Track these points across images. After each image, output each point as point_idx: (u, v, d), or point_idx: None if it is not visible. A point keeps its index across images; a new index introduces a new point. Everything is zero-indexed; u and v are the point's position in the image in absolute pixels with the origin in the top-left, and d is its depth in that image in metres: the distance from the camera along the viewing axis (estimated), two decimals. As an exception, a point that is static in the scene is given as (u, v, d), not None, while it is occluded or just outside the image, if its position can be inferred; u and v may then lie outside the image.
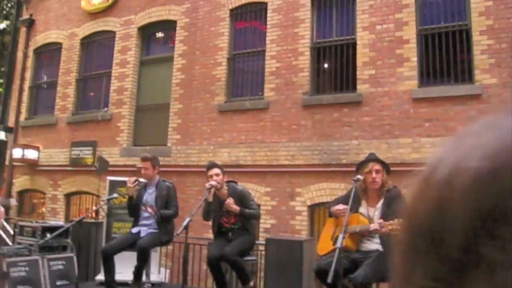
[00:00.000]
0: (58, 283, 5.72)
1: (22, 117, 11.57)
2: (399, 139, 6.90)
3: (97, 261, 6.64)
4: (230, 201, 5.20)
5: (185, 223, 4.54)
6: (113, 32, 10.33)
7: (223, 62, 8.69)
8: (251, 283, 5.29)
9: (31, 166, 10.88)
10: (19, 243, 6.22)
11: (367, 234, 4.28)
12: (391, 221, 3.94)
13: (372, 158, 4.50)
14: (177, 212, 5.77)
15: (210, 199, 5.21)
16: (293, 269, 5.17)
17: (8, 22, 12.46)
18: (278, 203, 7.64)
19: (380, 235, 4.14)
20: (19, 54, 11.95)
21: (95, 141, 9.96)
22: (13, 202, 8.23)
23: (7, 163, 10.92)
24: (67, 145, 10.37)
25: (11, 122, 11.69)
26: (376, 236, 4.22)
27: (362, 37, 7.44)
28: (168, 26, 9.65)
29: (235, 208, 5.19)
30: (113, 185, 7.22)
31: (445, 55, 6.87)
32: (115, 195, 6.06)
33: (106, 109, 10.07)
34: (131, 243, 5.56)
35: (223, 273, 5.28)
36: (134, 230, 5.77)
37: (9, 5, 12.64)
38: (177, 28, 9.38)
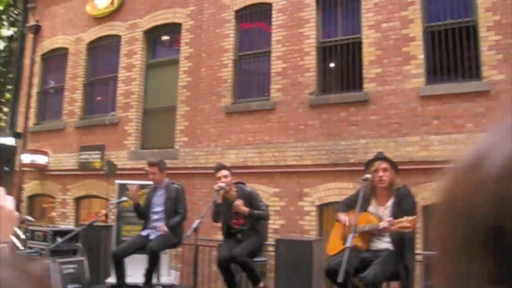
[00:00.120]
0: (70, 286, 5.76)
1: (31, 122, 11.64)
2: (407, 137, 6.87)
3: (108, 264, 6.67)
4: (239, 202, 5.21)
5: (194, 225, 4.55)
6: (119, 36, 10.38)
7: (229, 63, 8.70)
8: (261, 284, 5.30)
9: (41, 171, 10.95)
10: (30, 248, 6.27)
11: (376, 233, 4.26)
12: (401, 219, 3.92)
13: (379, 157, 4.49)
14: (185, 215, 5.78)
15: (219, 200, 5.22)
16: (303, 269, 5.17)
17: (15, 29, 12.55)
18: (287, 204, 7.64)
19: (390, 234, 4.12)
20: (27, 60, 12.03)
21: (103, 145, 10.00)
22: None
23: (16, 168, 11.00)
24: (75, 150, 10.42)
25: (20, 128, 11.77)
26: (386, 235, 4.20)
27: (368, 36, 7.42)
28: (174, 29, 9.68)
29: (244, 209, 5.19)
30: (122, 189, 7.26)
31: (452, 52, 6.84)
32: (124, 198, 6.09)
33: (113, 113, 10.12)
34: (141, 246, 5.59)
35: (233, 274, 5.29)
36: (144, 233, 5.79)
37: (15, 12, 12.72)
38: (183, 31, 9.40)
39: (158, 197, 5.89)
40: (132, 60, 10.04)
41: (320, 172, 7.44)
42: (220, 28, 8.92)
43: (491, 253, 0.33)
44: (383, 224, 4.06)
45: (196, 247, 4.81)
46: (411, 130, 6.86)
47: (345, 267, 3.53)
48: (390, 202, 4.27)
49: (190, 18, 9.35)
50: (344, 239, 4.16)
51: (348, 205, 4.53)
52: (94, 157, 10.08)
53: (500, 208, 0.33)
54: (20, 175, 11.19)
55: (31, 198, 11.35)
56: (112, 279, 6.23)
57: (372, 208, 4.37)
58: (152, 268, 5.51)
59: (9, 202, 1.22)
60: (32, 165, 10.78)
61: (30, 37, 12.09)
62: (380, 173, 4.26)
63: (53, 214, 10.79)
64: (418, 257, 5.72)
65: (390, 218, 4.04)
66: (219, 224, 5.64)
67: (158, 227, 5.56)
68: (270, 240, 6.81)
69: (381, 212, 4.30)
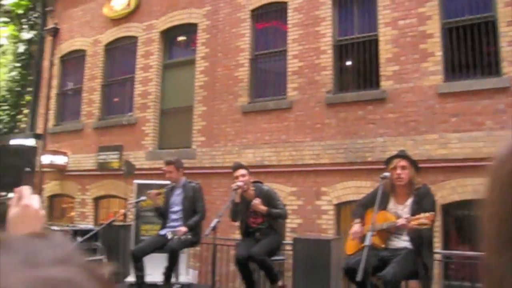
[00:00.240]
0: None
1: (50, 123, 11.81)
2: (425, 135, 6.80)
3: (127, 263, 6.73)
4: (257, 201, 5.22)
5: (213, 224, 4.57)
6: (136, 37, 10.47)
7: (245, 63, 8.72)
8: (280, 283, 5.30)
9: (60, 172, 11.11)
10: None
11: (395, 231, 4.24)
12: (418, 215, 3.90)
13: (398, 154, 4.46)
14: (204, 214, 5.81)
15: (237, 200, 5.24)
16: (321, 268, 5.16)
17: (34, 32, 12.74)
18: (304, 203, 7.62)
19: (407, 232, 4.09)
20: (46, 63, 12.21)
21: (121, 145, 10.10)
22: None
23: (37, 169, 11.16)
24: (94, 150, 10.54)
25: (39, 129, 11.95)
26: (404, 233, 4.17)
27: (385, 33, 7.37)
28: (190, 29, 9.73)
29: (263, 208, 5.21)
30: (140, 188, 7.33)
31: (470, 48, 6.75)
32: (142, 198, 6.14)
33: (131, 113, 10.21)
34: (160, 245, 5.64)
35: (251, 273, 5.30)
36: (162, 232, 5.83)
37: (35, 15, 12.92)
38: (199, 31, 9.45)
39: (176, 197, 5.94)
40: (149, 61, 10.12)
41: (337, 170, 7.42)
42: (236, 27, 8.94)
43: None
44: (400, 221, 4.03)
45: (214, 246, 4.83)
46: (429, 128, 6.79)
47: (364, 266, 3.51)
48: (409, 201, 4.24)
49: (206, 18, 9.39)
50: (362, 237, 4.15)
51: (365, 204, 4.51)
52: (112, 158, 10.18)
53: None
54: (40, 176, 11.35)
55: (51, 198, 11.52)
56: (131, 278, 6.30)
57: (391, 206, 4.34)
58: (172, 267, 5.55)
59: (35, 201, 1.24)
60: (52, 165, 10.94)
61: (49, 39, 12.27)
62: (398, 171, 4.23)
63: (73, 214, 10.93)
64: (437, 256, 5.66)
65: (408, 215, 4.02)
66: (237, 223, 5.66)
67: (177, 231, 5.58)
68: (288, 239, 6.80)
69: (400, 211, 4.27)
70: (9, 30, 13.16)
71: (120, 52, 11.01)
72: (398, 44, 7.22)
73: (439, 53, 6.89)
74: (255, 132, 8.31)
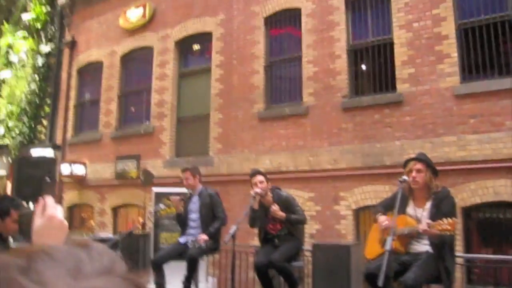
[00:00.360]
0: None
1: (69, 134, 11.98)
2: (443, 137, 6.73)
3: (147, 271, 6.76)
4: (275, 207, 5.22)
5: (232, 231, 4.58)
6: (151, 47, 10.58)
7: (260, 70, 8.75)
8: (300, 289, 5.27)
9: (79, 182, 11.24)
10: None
11: (416, 236, 4.20)
12: (440, 221, 3.85)
13: (413, 157, 4.42)
14: (225, 219, 5.82)
15: (256, 206, 5.24)
16: (341, 274, 5.12)
17: (52, 45, 12.96)
18: (323, 208, 7.59)
19: (429, 237, 4.04)
20: (64, 75, 12.41)
21: (139, 154, 10.19)
22: None
23: (56, 179, 11.31)
24: (112, 160, 10.65)
25: (58, 140, 12.13)
26: (425, 237, 4.13)
27: (399, 36, 7.33)
28: (204, 38, 9.80)
29: (281, 214, 5.20)
30: (159, 197, 7.38)
31: (487, 48, 6.67)
32: (161, 206, 6.18)
33: (148, 122, 10.30)
34: (179, 252, 5.66)
35: (270, 280, 5.28)
36: (182, 240, 5.86)
37: (52, 28, 13.14)
38: (213, 39, 9.51)
39: (193, 204, 5.96)
40: (164, 70, 10.21)
41: (355, 175, 7.38)
42: (250, 35, 8.98)
43: None
44: (422, 227, 3.98)
45: (233, 253, 4.83)
46: (447, 130, 6.72)
47: (385, 271, 3.48)
48: (428, 204, 4.19)
49: (220, 26, 9.45)
50: (383, 242, 4.11)
51: (385, 207, 4.47)
52: (130, 167, 10.27)
53: None
54: (60, 186, 11.50)
55: (70, 208, 11.65)
56: (151, 286, 6.32)
57: (410, 210, 4.30)
58: (191, 274, 5.57)
59: (59, 212, 1.26)
60: (71, 176, 11.09)
61: (66, 52, 12.47)
62: (414, 174, 4.20)
63: (92, 223, 11.03)
64: (459, 260, 5.59)
65: (429, 221, 3.97)
66: (256, 230, 5.65)
67: (198, 239, 5.59)
68: (306, 245, 6.77)
69: (419, 214, 4.22)
70: (28, 44, 13.40)
71: (136, 62, 11.14)
72: (413, 46, 7.17)
73: (455, 54, 6.82)
74: (272, 138, 8.32)
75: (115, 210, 10.63)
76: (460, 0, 7.02)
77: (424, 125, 6.91)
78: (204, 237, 5.57)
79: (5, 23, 14.36)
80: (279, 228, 5.36)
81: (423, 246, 4.16)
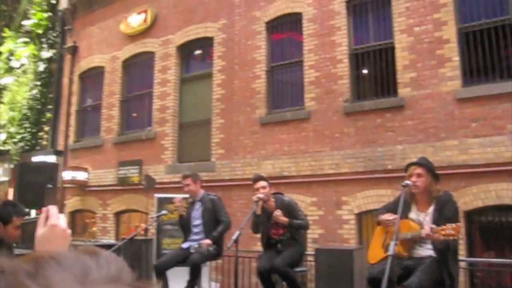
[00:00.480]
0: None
1: (71, 140, 12.00)
2: (445, 141, 6.74)
3: (149, 277, 6.76)
4: (278, 213, 5.22)
5: (234, 237, 4.57)
6: (153, 53, 10.61)
7: (262, 75, 8.76)
8: (303, 294, 5.27)
9: (81, 187, 11.25)
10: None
11: (419, 241, 4.19)
12: (444, 226, 3.84)
13: (415, 162, 4.42)
14: (228, 223, 5.80)
15: (258, 212, 5.24)
16: (344, 278, 5.11)
17: (54, 51, 13.00)
18: (325, 213, 7.59)
19: (432, 242, 4.04)
20: (65, 80, 12.44)
21: (141, 159, 10.20)
22: None
23: (58, 185, 11.31)
24: (114, 165, 10.66)
25: (60, 146, 12.14)
26: (428, 242, 4.11)
27: (401, 40, 7.35)
28: (206, 43, 9.83)
29: (284, 219, 5.20)
30: (161, 202, 7.38)
31: (488, 52, 6.69)
32: (163, 212, 6.18)
33: (149, 128, 10.32)
34: (182, 258, 5.65)
35: (273, 285, 5.27)
36: (185, 245, 5.86)
37: (54, 34, 13.20)
38: (215, 45, 9.54)
39: (196, 210, 5.96)
40: (166, 76, 10.23)
41: (357, 179, 7.38)
42: (251, 40, 9.01)
43: None
44: (425, 232, 3.97)
45: (236, 259, 4.83)
46: (449, 134, 6.73)
47: (388, 276, 3.48)
48: (431, 209, 4.19)
49: (221, 31, 9.48)
50: (386, 247, 4.11)
51: (388, 212, 4.47)
52: (132, 172, 10.28)
53: None
54: (62, 192, 11.51)
55: (72, 213, 11.65)
56: (154, 292, 6.31)
57: (412, 214, 4.29)
58: (194, 280, 5.56)
59: (62, 221, 1.26)
60: (73, 181, 11.09)
61: (68, 57, 12.51)
62: (414, 178, 4.19)
63: (94, 229, 11.03)
64: (462, 264, 5.58)
65: (433, 226, 3.96)
66: (258, 235, 5.65)
67: (201, 244, 5.59)
68: (309, 249, 6.77)
69: (422, 219, 4.22)
70: (29, 49, 13.45)
71: (138, 68, 11.17)
72: (414, 50, 7.19)
73: (456, 58, 6.84)
74: (274, 143, 8.33)
75: (117, 215, 10.63)
76: (461, 4, 7.03)
77: (426, 129, 6.91)
78: (207, 241, 5.57)
79: (6, 29, 14.41)
80: (281, 233, 5.36)
81: (426, 251, 4.15)
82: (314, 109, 7.98)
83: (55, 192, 11.28)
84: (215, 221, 5.79)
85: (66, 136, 12.02)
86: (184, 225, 5.95)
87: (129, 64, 11.26)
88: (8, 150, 13.05)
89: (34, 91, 13.02)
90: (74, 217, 11.72)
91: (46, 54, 13.05)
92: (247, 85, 8.88)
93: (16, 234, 3.41)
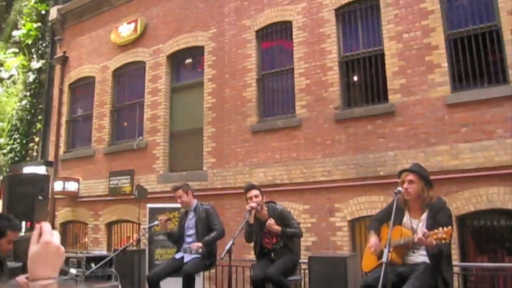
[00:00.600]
0: (106, 312, 5.80)
1: (61, 150, 11.92)
2: (435, 146, 6.78)
3: (142, 288, 6.71)
4: (271, 221, 5.21)
5: (228, 246, 4.56)
6: (143, 62, 10.60)
7: (252, 83, 8.78)
8: (297, 303, 5.25)
9: (72, 198, 11.17)
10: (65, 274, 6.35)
11: (412, 246, 4.19)
12: (436, 230, 3.85)
13: (407, 168, 4.44)
14: (221, 231, 5.78)
15: (251, 221, 5.22)
16: (338, 286, 5.11)
17: (43, 61, 12.95)
18: (318, 220, 7.59)
19: (426, 248, 4.04)
20: (55, 91, 12.39)
21: (132, 169, 10.15)
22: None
23: (49, 196, 11.22)
24: (105, 175, 10.60)
25: (51, 156, 12.06)
26: (422, 248, 4.12)
27: (390, 47, 7.40)
28: (196, 52, 9.84)
29: (277, 228, 5.19)
30: (153, 212, 7.34)
31: (476, 57, 6.76)
32: (156, 222, 6.14)
33: (141, 137, 10.28)
34: (175, 268, 5.62)
35: (268, 294, 5.25)
36: (178, 255, 5.82)
37: (43, 45, 13.15)
38: (205, 53, 9.54)
39: (189, 221, 5.93)
40: (157, 85, 10.22)
41: (349, 186, 7.39)
42: (242, 48, 9.03)
43: None
44: (418, 237, 3.98)
45: (229, 268, 4.80)
46: (439, 139, 6.77)
47: (382, 283, 3.47)
48: (424, 215, 4.19)
49: (211, 40, 9.49)
50: (379, 254, 4.11)
51: (381, 219, 4.47)
52: (123, 182, 10.22)
53: None
54: (53, 203, 11.41)
55: (64, 224, 11.56)
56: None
57: (406, 221, 4.30)
58: (187, 290, 5.52)
59: (55, 238, 1.24)
60: (64, 192, 11.02)
61: (58, 68, 12.46)
62: (405, 185, 4.21)
63: (86, 240, 10.95)
64: (455, 269, 5.59)
65: (425, 230, 3.97)
66: (251, 244, 5.63)
67: (191, 246, 5.58)
68: (303, 257, 6.76)
69: (415, 225, 4.22)
70: (19, 60, 13.38)
71: (128, 77, 11.14)
72: (403, 57, 7.24)
73: (445, 64, 6.90)
74: (266, 151, 8.33)
75: (109, 226, 10.55)
76: (449, 11, 7.11)
77: (417, 134, 6.95)
78: (198, 244, 5.54)
79: (-5, 40, 14.35)
80: (275, 242, 5.34)
81: (420, 257, 4.15)
82: (305, 116, 8.00)
83: (46, 204, 11.18)
84: (208, 230, 5.76)
85: (57, 147, 11.94)
86: (176, 237, 5.92)
87: (119, 74, 11.23)
88: (-3, 162, 12.94)
89: (24, 102, 12.95)
90: (65, 228, 11.61)
91: (36, 64, 12.99)
92: (238, 94, 8.89)
93: (9, 248, 3.39)
